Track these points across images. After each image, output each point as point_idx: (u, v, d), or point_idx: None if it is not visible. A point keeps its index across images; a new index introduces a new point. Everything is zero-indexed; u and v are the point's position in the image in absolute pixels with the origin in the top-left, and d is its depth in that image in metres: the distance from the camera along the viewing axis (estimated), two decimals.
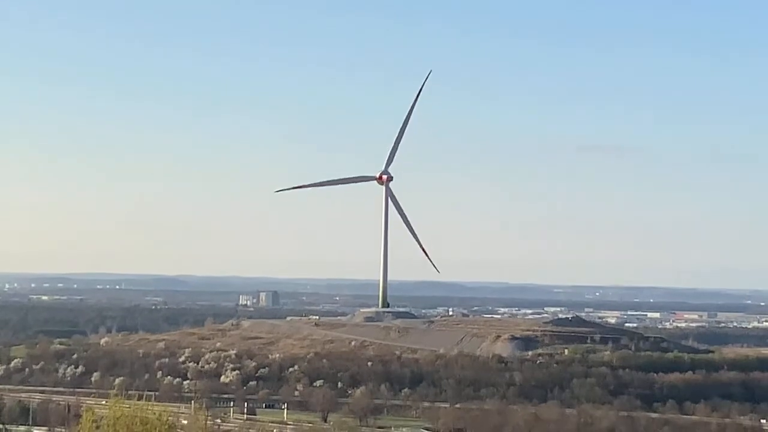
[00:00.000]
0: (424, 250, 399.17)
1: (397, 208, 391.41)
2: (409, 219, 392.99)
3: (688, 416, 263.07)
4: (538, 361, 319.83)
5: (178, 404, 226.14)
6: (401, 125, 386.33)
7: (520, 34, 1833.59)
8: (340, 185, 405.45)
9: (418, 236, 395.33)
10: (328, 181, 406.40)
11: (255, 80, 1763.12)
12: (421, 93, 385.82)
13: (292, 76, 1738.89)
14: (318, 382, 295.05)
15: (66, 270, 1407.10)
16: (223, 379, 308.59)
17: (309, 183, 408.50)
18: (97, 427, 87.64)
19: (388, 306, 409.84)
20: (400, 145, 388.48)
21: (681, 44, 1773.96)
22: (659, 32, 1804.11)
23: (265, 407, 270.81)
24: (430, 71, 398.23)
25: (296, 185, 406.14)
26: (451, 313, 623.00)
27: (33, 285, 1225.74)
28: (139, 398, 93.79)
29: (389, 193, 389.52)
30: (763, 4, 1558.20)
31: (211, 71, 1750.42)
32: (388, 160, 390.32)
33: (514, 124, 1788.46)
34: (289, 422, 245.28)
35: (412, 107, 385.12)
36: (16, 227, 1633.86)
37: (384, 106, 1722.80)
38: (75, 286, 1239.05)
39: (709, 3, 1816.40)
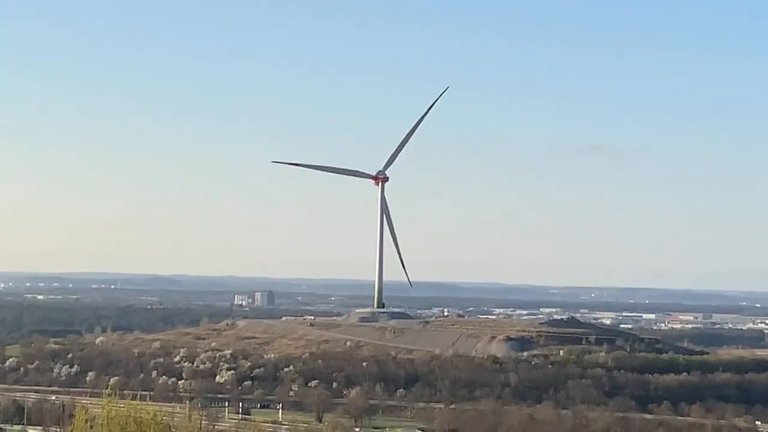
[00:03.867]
0: (401, 259, 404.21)
1: (384, 211, 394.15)
2: (393, 224, 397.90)
3: (683, 418, 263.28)
4: (533, 362, 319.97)
5: (173, 404, 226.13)
6: (407, 133, 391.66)
7: (523, 34, 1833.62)
8: (335, 174, 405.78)
9: (398, 243, 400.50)
10: (324, 167, 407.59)
11: (253, 81, 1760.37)
12: (434, 106, 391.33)
13: (292, 77, 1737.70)
14: (313, 383, 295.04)
15: (61, 269, 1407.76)
16: (218, 379, 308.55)
17: (306, 164, 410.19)
18: (91, 427, 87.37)
19: (383, 306, 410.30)
20: (401, 151, 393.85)
21: (686, 45, 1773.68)
22: (665, 33, 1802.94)
23: (260, 407, 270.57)
24: (447, 88, 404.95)
25: (294, 162, 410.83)
26: (446, 313, 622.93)
27: (28, 284, 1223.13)
28: (134, 398, 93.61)
29: (383, 194, 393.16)
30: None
31: (208, 71, 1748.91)
32: (387, 162, 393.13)
33: (511, 126, 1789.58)
34: (284, 422, 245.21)
35: (422, 118, 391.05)
36: (11, 226, 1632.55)
37: (387, 107, 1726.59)
38: (70, 285, 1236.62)
39: (715, 4, 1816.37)
